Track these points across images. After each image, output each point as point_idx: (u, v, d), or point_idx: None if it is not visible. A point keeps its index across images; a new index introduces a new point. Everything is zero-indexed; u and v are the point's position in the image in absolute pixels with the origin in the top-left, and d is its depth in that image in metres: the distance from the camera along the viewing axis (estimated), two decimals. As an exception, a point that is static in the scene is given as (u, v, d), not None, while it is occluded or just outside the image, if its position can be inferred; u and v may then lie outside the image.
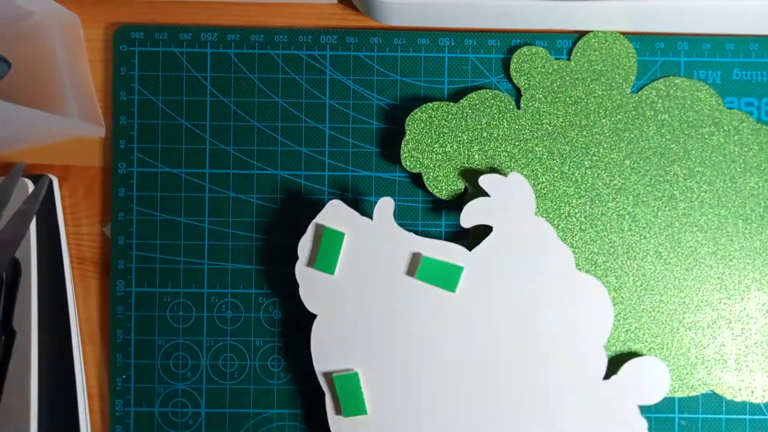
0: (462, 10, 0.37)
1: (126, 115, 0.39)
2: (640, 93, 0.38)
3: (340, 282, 0.36)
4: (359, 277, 0.36)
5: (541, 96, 0.38)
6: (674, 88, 0.38)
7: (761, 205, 0.38)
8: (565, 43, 0.39)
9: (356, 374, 0.36)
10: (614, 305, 0.38)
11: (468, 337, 0.36)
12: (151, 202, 0.39)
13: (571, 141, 0.38)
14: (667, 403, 0.39)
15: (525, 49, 0.38)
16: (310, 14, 0.39)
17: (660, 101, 0.38)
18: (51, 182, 0.38)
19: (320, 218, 0.36)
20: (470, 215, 0.36)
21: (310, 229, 0.36)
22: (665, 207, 0.38)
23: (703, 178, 0.38)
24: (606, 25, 0.38)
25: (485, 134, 0.38)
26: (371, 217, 0.36)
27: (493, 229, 0.36)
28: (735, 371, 0.38)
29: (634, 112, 0.38)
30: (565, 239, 0.38)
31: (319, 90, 0.39)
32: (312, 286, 0.36)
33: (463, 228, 0.38)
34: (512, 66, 0.38)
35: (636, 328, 0.38)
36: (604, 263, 0.38)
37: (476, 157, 0.38)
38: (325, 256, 0.36)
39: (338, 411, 0.36)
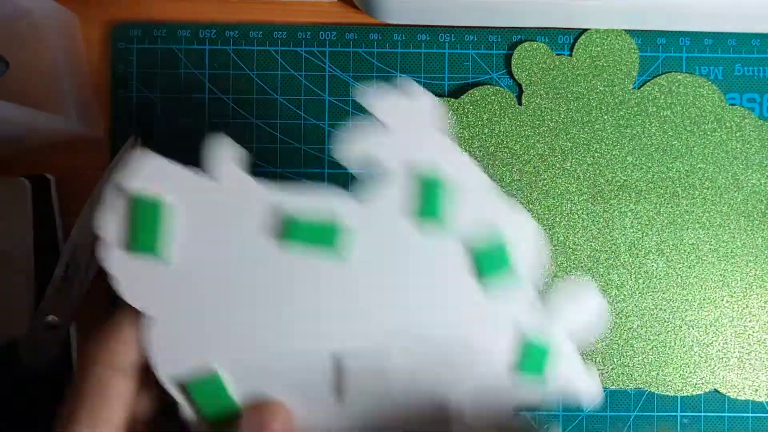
0: (461, 9, 0.37)
1: (124, 113, 0.39)
2: (642, 89, 0.38)
3: (176, 265, 0.25)
4: (204, 256, 0.25)
5: (542, 92, 0.38)
6: (676, 84, 0.38)
7: (763, 202, 0.38)
8: (566, 39, 0.39)
9: (217, 376, 0.26)
10: (616, 303, 0.38)
11: (361, 319, 0.27)
12: (149, 201, 0.39)
13: (573, 137, 0.38)
14: (670, 401, 0.38)
15: (526, 44, 0.38)
16: (310, 11, 0.39)
17: (662, 97, 0.38)
18: (48, 182, 0.38)
19: (126, 181, 0.24)
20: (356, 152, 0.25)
21: (111, 197, 0.24)
22: (667, 204, 0.38)
23: (706, 175, 0.38)
24: (606, 23, 0.38)
25: (486, 131, 0.38)
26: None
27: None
28: (738, 369, 0.38)
29: (636, 109, 0.38)
30: (567, 236, 0.38)
31: (319, 87, 0.39)
32: (134, 277, 0.25)
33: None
34: (513, 62, 0.38)
35: (638, 326, 0.38)
36: (606, 260, 0.38)
37: (477, 153, 0.38)
38: (144, 234, 0.24)
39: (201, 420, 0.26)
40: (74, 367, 0.37)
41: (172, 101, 0.39)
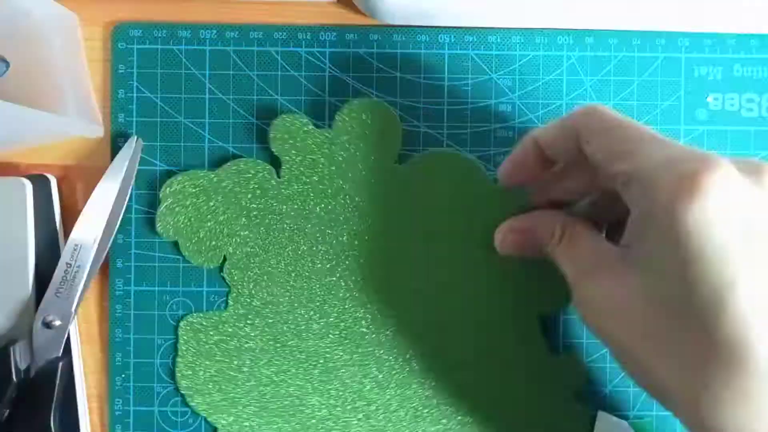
0: (461, 10, 0.37)
1: (125, 114, 0.39)
2: (404, 165, 0.37)
3: None
4: None
5: (300, 168, 0.37)
6: (439, 163, 0.37)
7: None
8: (565, 39, 0.39)
9: None
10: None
11: None
12: (150, 200, 0.39)
13: (331, 212, 0.37)
14: (669, 401, 0.38)
15: (285, 117, 0.37)
16: (310, 12, 0.39)
17: (426, 176, 0.37)
18: (48, 182, 0.38)
19: None
20: None
21: None
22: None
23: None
24: (605, 24, 0.38)
25: (245, 204, 0.37)
26: None
27: None
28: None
29: (400, 185, 0.37)
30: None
31: (319, 87, 0.39)
32: None
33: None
34: (271, 135, 0.37)
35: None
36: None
37: (242, 222, 0.37)
38: None
39: None
40: (75, 367, 0.37)
41: (173, 101, 0.39)
